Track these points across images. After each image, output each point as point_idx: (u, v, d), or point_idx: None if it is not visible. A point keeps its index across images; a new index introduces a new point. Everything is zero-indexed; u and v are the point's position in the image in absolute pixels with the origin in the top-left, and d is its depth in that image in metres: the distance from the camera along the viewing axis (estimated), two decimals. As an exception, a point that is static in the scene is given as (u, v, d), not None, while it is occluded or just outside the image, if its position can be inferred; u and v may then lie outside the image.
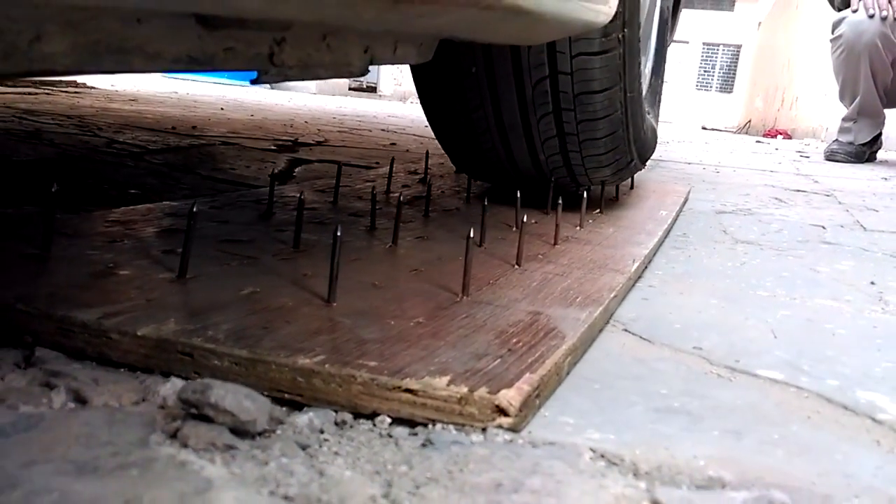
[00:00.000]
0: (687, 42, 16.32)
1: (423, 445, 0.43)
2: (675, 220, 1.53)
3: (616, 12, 1.05)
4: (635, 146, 1.37)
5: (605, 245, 1.13)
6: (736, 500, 0.35)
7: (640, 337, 0.78)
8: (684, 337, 0.78)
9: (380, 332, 0.63)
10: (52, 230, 0.78)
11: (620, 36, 1.17)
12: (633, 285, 1.00)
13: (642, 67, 1.44)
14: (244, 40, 0.52)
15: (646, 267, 1.11)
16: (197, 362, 0.54)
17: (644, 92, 1.50)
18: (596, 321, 0.75)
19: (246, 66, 0.54)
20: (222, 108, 3.89)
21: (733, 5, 16.57)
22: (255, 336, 0.58)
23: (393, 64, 0.79)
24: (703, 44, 16.57)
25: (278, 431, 0.43)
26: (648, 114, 1.56)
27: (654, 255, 1.20)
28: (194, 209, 0.75)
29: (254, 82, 0.60)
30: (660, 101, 1.82)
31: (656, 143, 1.68)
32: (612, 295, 0.84)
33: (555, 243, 1.10)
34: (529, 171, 1.35)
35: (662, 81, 1.83)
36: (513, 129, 1.28)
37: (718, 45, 16.56)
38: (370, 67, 0.86)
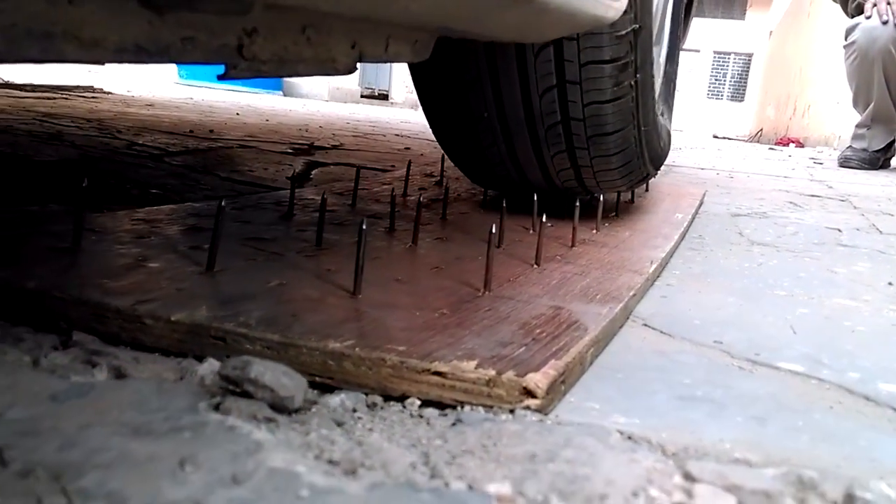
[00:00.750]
0: (698, 51, 16.31)
1: (454, 424, 0.44)
2: (690, 222, 1.53)
3: (626, 9, 0.99)
4: (648, 154, 1.33)
5: (622, 248, 1.13)
6: (766, 476, 0.36)
7: (661, 331, 0.79)
8: (704, 332, 0.79)
9: (406, 321, 0.64)
10: (82, 226, 0.80)
11: (632, 40, 1.12)
12: (651, 285, 1.00)
13: (655, 68, 1.39)
14: (206, 29, 0.46)
15: (663, 268, 1.12)
16: (229, 346, 0.55)
17: (657, 94, 1.45)
18: (616, 316, 0.76)
19: (210, 58, 0.48)
20: (238, 113, 3.92)
21: (744, 14, 16.56)
22: (284, 323, 0.59)
23: (385, 62, 0.74)
24: (714, 52, 16.55)
25: (313, 410, 0.44)
26: (662, 115, 1.52)
27: (671, 256, 1.21)
28: (222, 204, 0.77)
29: (221, 77, 0.51)
30: (672, 103, 1.77)
31: (670, 147, 1.64)
32: (631, 293, 0.85)
33: (572, 245, 1.10)
34: (540, 183, 1.31)
35: (675, 83, 1.78)
36: (520, 142, 1.22)
37: (730, 53, 16.55)
38: (379, 72, 0.85)
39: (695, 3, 2.33)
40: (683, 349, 0.73)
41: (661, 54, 1.63)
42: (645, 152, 1.28)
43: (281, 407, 0.42)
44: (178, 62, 0.46)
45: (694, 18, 2.53)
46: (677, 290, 0.99)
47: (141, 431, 0.31)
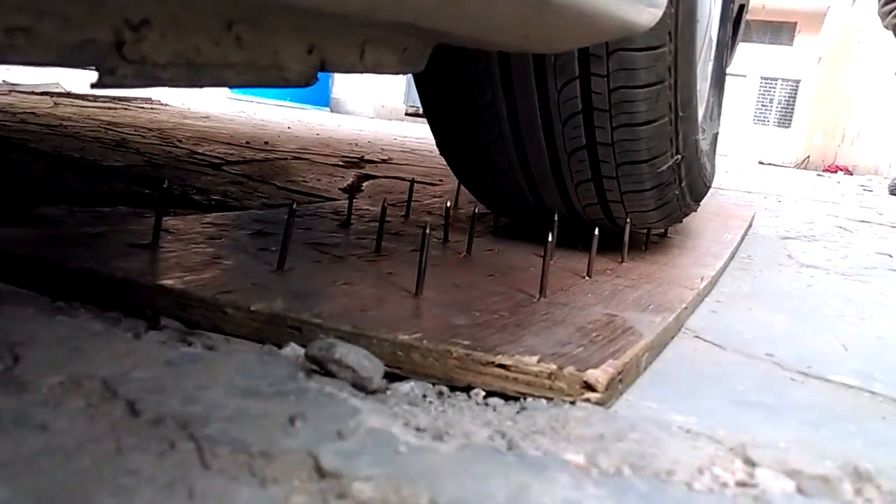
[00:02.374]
0: (744, 76, 16.16)
1: (520, 411, 0.47)
2: (739, 243, 1.54)
3: (665, 14, 0.81)
4: (689, 187, 1.17)
5: (672, 264, 1.15)
6: (824, 464, 0.38)
7: (712, 343, 0.80)
8: (755, 345, 0.80)
9: (467, 320, 0.67)
10: (160, 225, 0.85)
11: (671, 50, 0.94)
12: (702, 301, 1.02)
13: (698, 92, 1.16)
14: (57, 17, 0.32)
15: (713, 286, 1.13)
16: (304, 336, 0.59)
17: (700, 119, 1.25)
18: (669, 326, 0.78)
19: (68, 59, 0.34)
20: (289, 127, 4.03)
21: (793, 39, 16.38)
22: (354, 316, 0.63)
23: (362, 72, 0.58)
24: (762, 78, 16.39)
25: (388, 392, 0.48)
26: (703, 139, 1.30)
27: (721, 275, 1.22)
28: (294, 207, 0.81)
29: (94, 85, 0.36)
30: (717, 130, 1.58)
31: (713, 179, 1.47)
32: (682, 306, 0.86)
33: (622, 261, 1.12)
34: (564, 216, 1.15)
35: (721, 107, 1.62)
36: (541, 175, 1.09)
37: (777, 79, 16.36)
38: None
39: (741, 25, 2.27)
40: (735, 360, 0.74)
41: (705, 76, 1.46)
42: (684, 185, 1.13)
43: (361, 386, 0.45)
44: (7, 62, 0.32)
45: (740, 42, 2.46)
46: (727, 306, 1.00)
47: (251, 393, 0.35)
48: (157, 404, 0.33)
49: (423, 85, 1.12)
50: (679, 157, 1.05)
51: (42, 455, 0.29)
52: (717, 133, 1.56)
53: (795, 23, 16.08)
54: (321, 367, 0.45)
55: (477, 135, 1.09)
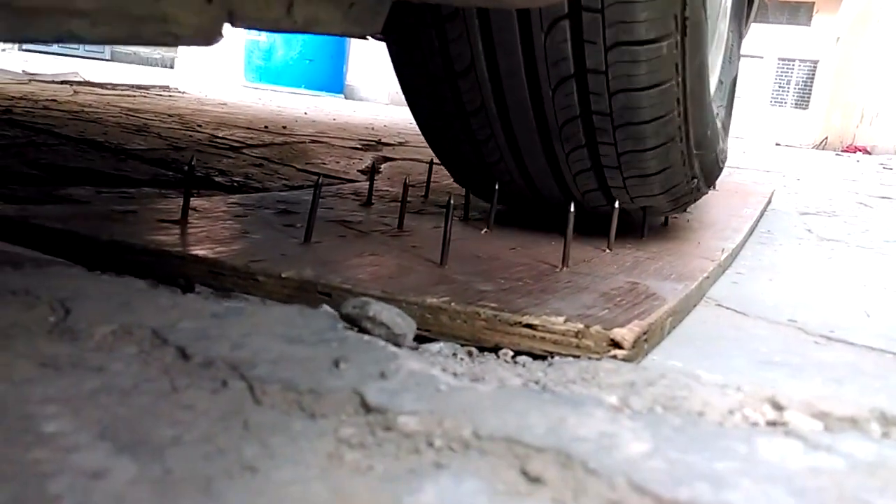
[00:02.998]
0: (761, 57, 15.97)
1: (550, 365, 0.48)
2: (759, 218, 1.53)
3: None
4: (700, 166, 1.03)
5: (692, 238, 1.15)
6: (851, 407, 0.39)
7: (735, 310, 0.81)
8: (777, 311, 0.81)
9: (493, 286, 0.68)
10: (189, 201, 0.86)
11: (678, 14, 0.82)
12: (723, 273, 1.02)
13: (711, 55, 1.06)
14: None
15: (734, 259, 1.13)
16: (334, 301, 0.60)
17: (712, 93, 1.12)
18: (692, 293, 0.79)
19: None
20: (305, 112, 4.05)
21: (810, 19, 16.17)
22: (382, 282, 0.64)
23: (291, 30, 0.48)
24: (779, 59, 16.19)
25: (419, 350, 0.49)
26: (717, 114, 1.17)
27: (741, 249, 1.22)
28: (320, 181, 0.83)
29: None
30: (731, 107, 1.41)
31: (726, 158, 1.29)
32: (704, 275, 0.87)
33: (642, 235, 1.13)
34: (559, 201, 1.03)
35: (735, 83, 1.43)
36: (530, 152, 0.96)
37: (794, 60, 16.17)
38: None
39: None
40: (758, 325, 0.75)
41: (721, 45, 1.31)
42: (695, 163, 1.00)
43: (395, 343, 0.46)
44: None
45: (756, 13, 2.35)
46: (748, 278, 1.01)
47: (294, 340, 0.36)
48: (206, 349, 0.34)
49: (394, 50, 0.99)
50: (687, 130, 0.92)
51: (101, 393, 0.30)
52: (728, 106, 1.37)
53: (813, 2, 15.86)
54: (355, 324, 0.46)
55: (457, 105, 0.95)
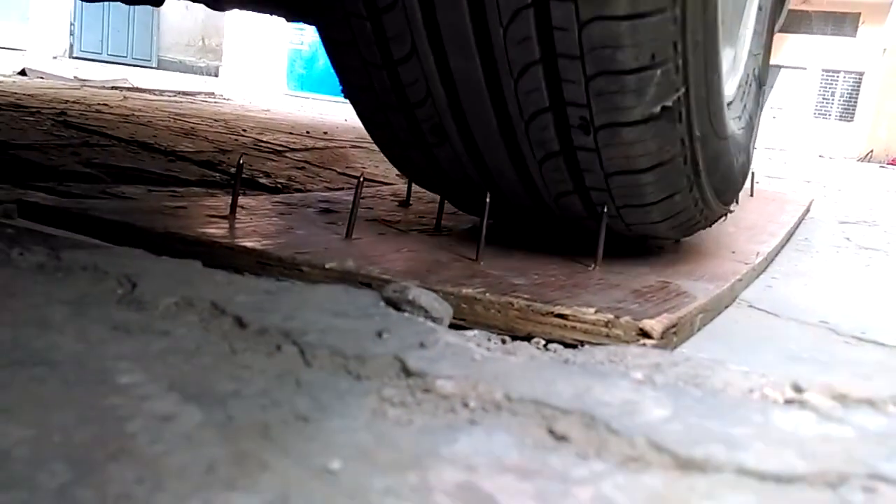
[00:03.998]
0: (805, 68, 15.72)
1: (579, 349, 0.50)
2: (796, 226, 1.53)
3: None
4: (712, 183, 0.84)
5: (727, 242, 1.16)
6: (872, 392, 0.40)
7: (767, 312, 0.82)
8: (809, 314, 0.82)
9: (526, 280, 0.70)
10: (237, 200, 0.90)
11: None
12: (758, 276, 1.03)
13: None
14: None
15: (769, 263, 1.14)
16: (374, 290, 0.63)
17: (734, 89, 0.99)
18: (723, 293, 0.80)
19: None
20: (346, 119, 4.11)
21: (856, 30, 15.87)
22: (420, 274, 0.67)
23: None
24: (823, 70, 15.92)
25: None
26: (733, 114, 0.96)
27: (777, 254, 1.22)
28: (361, 179, 0.86)
29: None
30: (758, 114, 1.18)
31: (748, 171, 1.11)
32: (736, 277, 0.88)
33: (677, 241, 1.14)
34: (526, 206, 0.87)
35: (763, 85, 1.18)
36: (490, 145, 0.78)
37: (839, 71, 15.88)
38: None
39: None
40: (789, 326, 0.76)
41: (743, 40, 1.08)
42: (703, 177, 0.80)
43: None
44: None
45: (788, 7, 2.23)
46: (783, 282, 1.01)
47: (340, 314, 0.39)
48: (260, 319, 0.37)
49: (322, 27, 0.80)
50: (692, 135, 0.74)
51: (167, 353, 0.33)
52: (755, 113, 1.14)
53: (859, 13, 15.57)
54: (395, 307, 0.49)
55: (399, 99, 0.78)
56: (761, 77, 1.16)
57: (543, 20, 0.65)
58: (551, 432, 0.30)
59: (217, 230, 0.79)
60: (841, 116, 15.95)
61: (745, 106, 1.06)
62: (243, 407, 0.29)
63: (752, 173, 1.83)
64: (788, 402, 0.36)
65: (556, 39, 0.66)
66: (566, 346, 0.56)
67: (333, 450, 0.27)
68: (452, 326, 0.60)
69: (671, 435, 0.29)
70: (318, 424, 0.28)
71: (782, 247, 1.30)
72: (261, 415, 0.29)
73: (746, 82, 1.08)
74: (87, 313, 0.37)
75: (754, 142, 1.15)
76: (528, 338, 0.58)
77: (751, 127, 1.10)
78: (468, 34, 0.69)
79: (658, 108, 0.68)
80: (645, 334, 0.55)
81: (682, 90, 0.69)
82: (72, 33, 8.98)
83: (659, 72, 0.66)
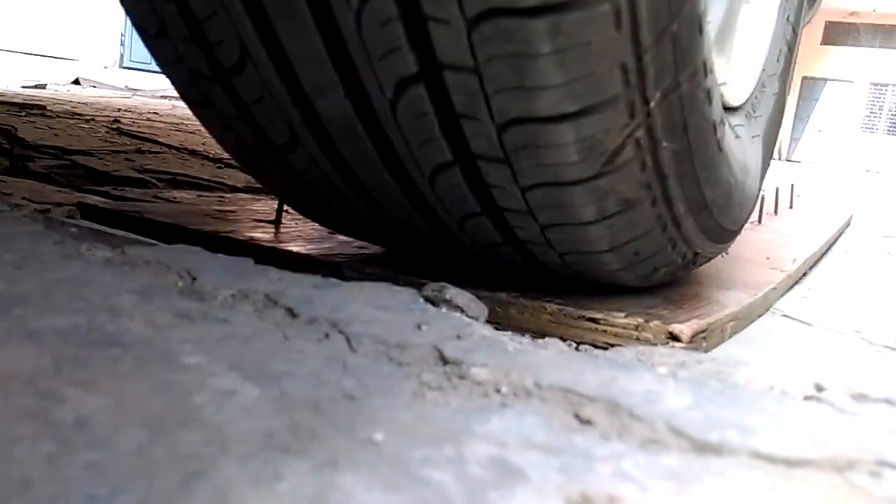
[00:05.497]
0: (852, 81, 15.43)
1: (609, 350, 0.52)
2: (836, 238, 1.52)
3: None
4: (697, 220, 0.65)
5: (762, 250, 1.17)
6: (890, 391, 0.42)
7: (801, 321, 0.83)
8: (843, 324, 0.82)
9: (558, 286, 0.72)
10: (282, 206, 0.94)
11: None
12: (793, 287, 1.03)
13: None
14: None
15: (805, 273, 1.14)
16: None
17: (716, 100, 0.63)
18: (756, 302, 0.81)
19: None
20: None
21: (907, 43, 15.53)
22: (458, 277, 0.69)
23: None
24: (871, 84, 15.60)
25: (491, 334, 0.54)
26: (733, 121, 0.75)
27: (814, 265, 1.22)
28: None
29: None
30: (777, 121, 0.96)
31: (757, 196, 0.88)
32: (771, 286, 0.89)
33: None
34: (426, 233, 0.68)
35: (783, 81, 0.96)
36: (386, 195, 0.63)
37: (888, 84, 15.55)
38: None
39: None
40: (822, 335, 0.77)
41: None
42: (686, 225, 0.64)
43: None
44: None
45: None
46: (818, 293, 1.02)
47: (383, 308, 0.42)
48: (310, 310, 0.40)
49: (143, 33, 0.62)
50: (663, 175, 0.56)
51: (226, 338, 0.37)
52: (773, 123, 0.93)
53: (909, 25, 15.26)
54: (433, 304, 0.51)
55: (244, 116, 0.60)
56: (784, 78, 0.96)
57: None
58: (577, 416, 0.32)
59: (263, 234, 0.83)
60: (889, 130, 15.60)
61: (756, 113, 0.86)
62: (296, 385, 0.32)
63: (792, 186, 1.82)
64: (808, 397, 0.38)
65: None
66: (596, 347, 0.58)
67: (377, 424, 0.29)
68: (488, 327, 0.62)
69: (690, 421, 0.31)
70: (363, 402, 0.31)
71: (821, 258, 1.29)
72: (311, 392, 0.32)
73: (763, 85, 0.90)
74: (153, 302, 0.41)
75: (768, 157, 0.93)
76: (560, 340, 0.60)
77: (768, 139, 0.91)
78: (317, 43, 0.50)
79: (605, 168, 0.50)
80: (674, 338, 0.57)
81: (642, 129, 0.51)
82: (122, 44, 9.25)
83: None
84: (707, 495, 0.26)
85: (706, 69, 0.56)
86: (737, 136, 0.75)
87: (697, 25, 0.52)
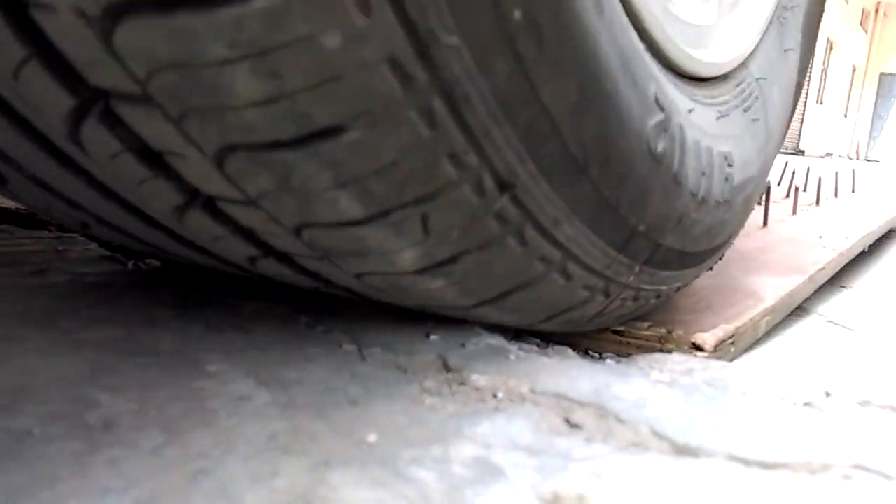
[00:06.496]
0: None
1: (625, 358, 0.53)
2: (879, 237, 1.47)
3: None
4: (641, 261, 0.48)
5: (793, 252, 1.13)
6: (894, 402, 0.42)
7: (843, 326, 0.81)
8: (887, 330, 0.81)
9: (591, 293, 0.73)
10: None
11: None
12: (832, 289, 1.01)
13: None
14: None
15: (845, 276, 1.11)
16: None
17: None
18: (797, 289, 0.80)
19: None
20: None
21: None
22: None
23: None
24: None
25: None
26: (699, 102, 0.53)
27: (849, 263, 1.18)
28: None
29: None
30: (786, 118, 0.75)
31: (742, 220, 0.68)
32: (818, 267, 0.88)
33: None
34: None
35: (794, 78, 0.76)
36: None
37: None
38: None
39: None
40: (862, 339, 0.76)
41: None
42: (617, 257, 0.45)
43: (489, 332, 0.53)
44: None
45: None
46: (862, 296, 1.00)
47: (394, 318, 0.44)
48: (325, 322, 0.43)
49: None
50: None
51: (249, 347, 0.40)
52: (785, 121, 0.75)
53: None
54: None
55: None
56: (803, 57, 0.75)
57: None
58: (567, 420, 0.34)
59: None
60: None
61: (754, 98, 0.65)
62: (304, 392, 0.35)
63: (836, 172, 1.76)
64: (807, 404, 0.39)
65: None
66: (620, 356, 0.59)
67: (373, 427, 0.32)
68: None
69: (673, 426, 0.33)
70: (365, 407, 0.34)
71: (863, 257, 1.26)
72: (318, 398, 0.34)
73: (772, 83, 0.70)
74: (188, 315, 0.44)
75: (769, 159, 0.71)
76: (584, 352, 0.61)
77: (777, 128, 0.71)
78: None
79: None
80: (697, 348, 0.58)
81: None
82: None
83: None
84: (677, 494, 0.28)
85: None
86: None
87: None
